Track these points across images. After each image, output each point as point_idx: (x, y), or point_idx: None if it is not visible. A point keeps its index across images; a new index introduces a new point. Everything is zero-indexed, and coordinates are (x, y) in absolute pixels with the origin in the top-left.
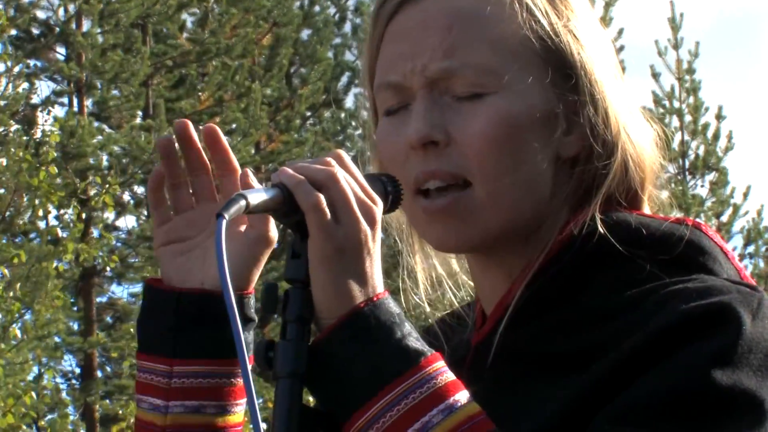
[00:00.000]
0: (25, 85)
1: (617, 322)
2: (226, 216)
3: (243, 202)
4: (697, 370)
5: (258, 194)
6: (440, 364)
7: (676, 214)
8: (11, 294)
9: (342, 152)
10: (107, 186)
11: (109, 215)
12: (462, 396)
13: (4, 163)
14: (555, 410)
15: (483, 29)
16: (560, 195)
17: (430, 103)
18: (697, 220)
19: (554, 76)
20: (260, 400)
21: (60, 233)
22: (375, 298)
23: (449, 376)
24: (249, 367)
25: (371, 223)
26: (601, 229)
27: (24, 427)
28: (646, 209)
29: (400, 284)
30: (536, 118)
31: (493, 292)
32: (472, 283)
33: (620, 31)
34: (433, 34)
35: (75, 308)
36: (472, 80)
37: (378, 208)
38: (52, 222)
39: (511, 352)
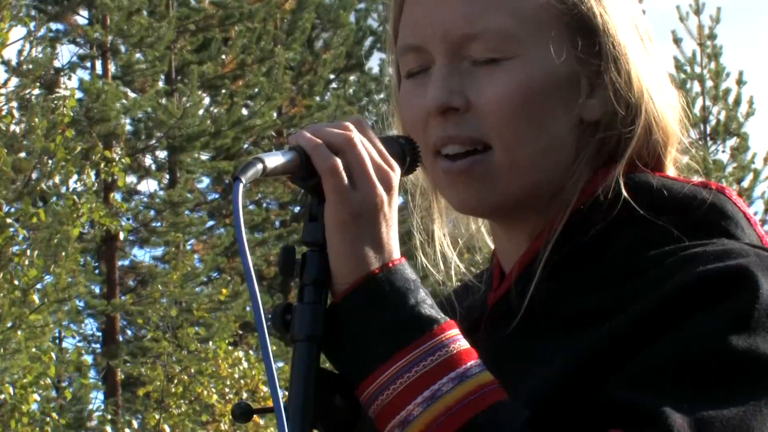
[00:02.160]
0: (48, 49)
1: (636, 281)
2: (243, 179)
3: (260, 165)
4: (714, 334)
5: (275, 157)
6: (454, 332)
7: (698, 179)
8: (26, 261)
9: (361, 117)
10: (118, 158)
11: (121, 183)
12: (474, 364)
13: (25, 129)
14: (570, 363)
15: None
16: (583, 158)
17: (449, 69)
18: (721, 184)
19: (576, 40)
20: (281, 364)
21: (76, 198)
22: (390, 264)
23: (463, 344)
24: (266, 331)
25: (388, 188)
26: (623, 190)
27: (42, 388)
28: (671, 171)
29: (418, 245)
30: (557, 82)
31: (514, 252)
32: (490, 246)
33: None
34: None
35: (97, 272)
36: (492, 46)
37: (395, 173)
38: (74, 186)
39: (530, 309)
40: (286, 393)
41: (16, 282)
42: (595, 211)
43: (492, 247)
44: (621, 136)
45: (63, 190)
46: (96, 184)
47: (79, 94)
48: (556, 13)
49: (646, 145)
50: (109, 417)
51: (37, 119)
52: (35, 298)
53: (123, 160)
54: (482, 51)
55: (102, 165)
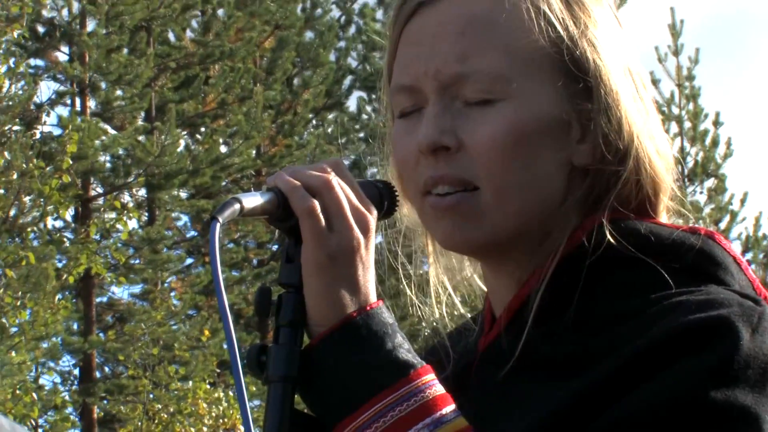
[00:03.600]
0: (31, 84)
1: (618, 329)
2: (220, 219)
3: (237, 206)
4: (692, 385)
5: (253, 198)
6: (430, 377)
7: (688, 224)
8: (17, 302)
9: (339, 160)
10: (125, 212)
11: (124, 236)
12: (450, 410)
13: (2, 163)
14: (550, 411)
15: (497, 36)
16: (572, 202)
17: (441, 109)
18: (711, 229)
19: (568, 84)
20: (258, 402)
21: (64, 239)
22: (368, 308)
23: (438, 389)
24: (241, 370)
25: (365, 231)
26: (609, 237)
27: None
28: (664, 217)
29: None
30: (547, 125)
31: (503, 295)
32: (484, 288)
33: None
34: (446, 39)
35: (75, 309)
36: (483, 86)
37: (372, 216)
38: (52, 223)
39: (520, 354)
40: None
41: (3, 320)
42: (582, 258)
43: (485, 289)
44: (609, 181)
45: (41, 226)
46: (99, 234)
47: (57, 131)
48: (549, 56)
49: (635, 191)
50: None
51: (31, 164)
52: (17, 338)
53: (131, 214)
54: (474, 92)
55: (106, 216)
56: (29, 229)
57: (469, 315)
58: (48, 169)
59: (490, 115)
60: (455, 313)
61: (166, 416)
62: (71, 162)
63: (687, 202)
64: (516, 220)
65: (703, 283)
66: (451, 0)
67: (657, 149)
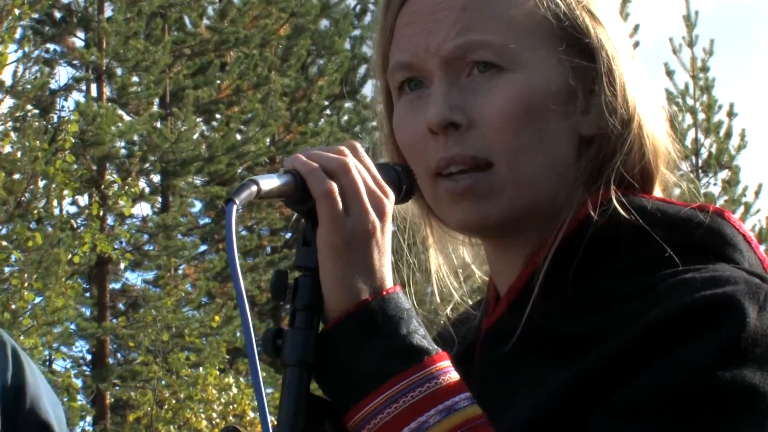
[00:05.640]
0: (45, 70)
1: (625, 308)
2: (237, 201)
3: (254, 188)
4: (699, 366)
5: (270, 180)
6: (445, 364)
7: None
8: (25, 284)
9: (356, 142)
10: (126, 187)
11: (128, 213)
12: (463, 398)
13: (19, 150)
14: (557, 391)
15: (497, 9)
16: (579, 176)
17: (448, 86)
18: (720, 207)
19: (571, 54)
20: (271, 390)
21: (74, 223)
22: (384, 293)
23: (453, 376)
24: (257, 355)
25: (381, 215)
26: (621, 210)
27: None
28: (658, 191)
29: (411, 277)
30: (554, 94)
31: (508, 276)
32: (484, 277)
33: (636, 27)
34: (447, 15)
35: (88, 294)
36: (488, 58)
37: (389, 200)
38: (67, 209)
39: (522, 334)
40: (275, 419)
41: (13, 306)
42: (587, 234)
43: (485, 278)
44: (614, 149)
45: (56, 212)
46: (101, 212)
47: (75, 116)
48: (550, 26)
49: (637, 161)
50: None
51: (38, 143)
52: (28, 320)
53: (133, 189)
54: (479, 64)
55: (110, 192)
56: (35, 212)
57: (470, 303)
58: (51, 147)
59: (498, 87)
60: (457, 299)
61: (175, 402)
62: (79, 142)
63: (700, 193)
64: (530, 193)
65: (711, 261)
66: None
67: (654, 119)
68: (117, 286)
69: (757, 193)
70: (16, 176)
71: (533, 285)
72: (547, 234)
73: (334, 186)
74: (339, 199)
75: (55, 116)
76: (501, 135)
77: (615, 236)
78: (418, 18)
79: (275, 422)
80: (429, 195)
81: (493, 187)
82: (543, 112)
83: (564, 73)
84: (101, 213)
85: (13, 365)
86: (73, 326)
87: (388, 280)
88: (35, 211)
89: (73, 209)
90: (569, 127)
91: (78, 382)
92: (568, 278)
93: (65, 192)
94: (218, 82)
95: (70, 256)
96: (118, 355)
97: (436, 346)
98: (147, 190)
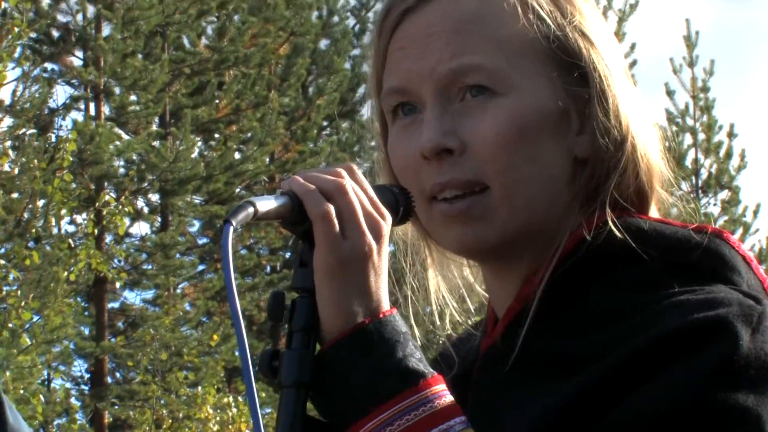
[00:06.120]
0: (44, 89)
1: (619, 328)
2: (234, 222)
3: (251, 209)
4: (691, 387)
5: (267, 201)
6: (440, 387)
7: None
8: (23, 303)
9: (353, 165)
10: (120, 206)
11: (121, 231)
12: (458, 421)
13: (18, 168)
14: (547, 413)
15: (488, 32)
16: (575, 194)
17: (441, 111)
18: (719, 228)
19: (563, 75)
20: (269, 410)
21: (71, 242)
22: (381, 315)
23: (448, 399)
24: (253, 375)
25: (377, 237)
26: (616, 232)
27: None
28: (654, 211)
29: (409, 299)
30: (548, 116)
31: (505, 297)
32: (485, 294)
33: (632, 46)
34: (438, 39)
35: (87, 313)
36: (480, 82)
37: (386, 222)
38: (65, 228)
39: (519, 355)
40: None
41: (10, 325)
42: (583, 256)
43: (486, 295)
44: (609, 170)
45: (54, 231)
46: (96, 230)
47: (73, 135)
48: (542, 48)
49: (632, 181)
50: None
51: (36, 161)
52: (26, 339)
53: (126, 209)
54: (472, 89)
55: (105, 211)
56: (33, 231)
57: (469, 322)
58: (50, 166)
59: (489, 111)
60: (457, 320)
61: (172, 421)
62: (77, 161)
63: (700, 213)
64: (525, 216)
65: (708, 282)
66: (439, 2)
67: (649, 136)
68: (116, 305)
69: (755, 213)
70: (15, 195)
71: (530, 307)
72: (543, 256)
73: (331, 208)
74: (336, 221)
75: (54, 135)
76: (495, 158)
77: (611, 258)
78: (410, 42)
79: None
80: (424, 218)
81: (488, 209)
82: (536, 135)
83: (556, 95)
84: (95, 231)
85: None
86: (71, 345)
87: (385, 302)
88: (33, 230)
89: (71, 228)
90: (563, 149)
91: (77, 403)
92: (564, 300)
93: (63, 211)
94: (217, 101)
95: (66, 273)
96: (117, 374)
97: (431, 369)
98: (146, 209)
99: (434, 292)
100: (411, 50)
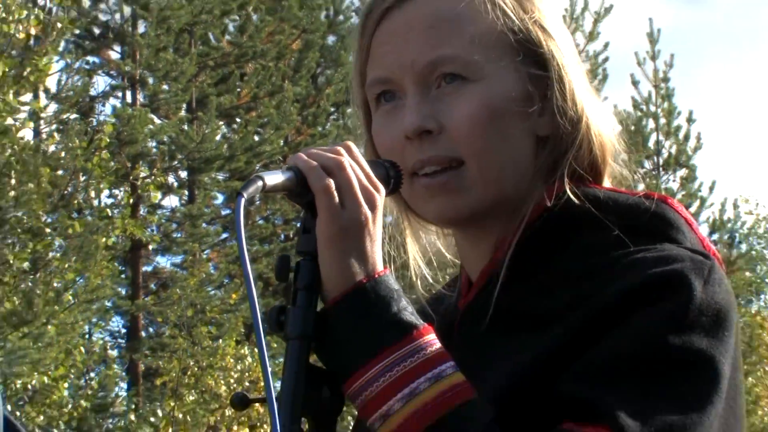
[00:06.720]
0: (85, 79)
1: (586, 285)
2: (245, 194)
3: (260, 183)
4: (652, 333)
5: (275, 176)
6: (431, 337)
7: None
8: (66, 264)
9: (351, 143)
10: (153, 177)
11: (155, 199)
12: (448, 366)
13: (63, 149)
14: (523, 362)
15: (461, 27)
16: (538, 171)
17: (421, 97)
18: (664, 194)
19: (526, 63)
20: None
21: (110, 212)
22: (376, 275)
23: (438, 347)
24: (262, 330)
25: (372, 207)
26: (575, 200)
27: (74, 378)
28: (606, 182)
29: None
30: (513, 100)
31: (478, 262)
32: (455, 260)
33: (606, 45)
34: (417, 34)
35: (123, 275)
36: (455, 71)
37: (380, 194)
38: (104, 200)
39: (496, 312)
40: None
41: (55, 284)
42: (547, 222)
43: (457, 261)
44: (567, 145)
45: (95, 203)
46: (131, 200)
47: (112, 120)
48: (508, 40)
49: (587, 156)
50: (133, 406)
51: (78, 141)
52: (69, 297)
53: (159, 179)
54: (448, 77)
55: (139, 182)
56: (76, 203)
57: (437, 286)
58: (90, 146)
59: (464, 96)
60: (429, 282)
61: (198, 370)
62: (115, 142)
63: (661, 189)
64: (496, 187)
65: (658, 242)
66: (415, 2)
67: (601, 116)
68: (149, 268)
69: (711, 189)
70: (60, 172)
71: (501, 269)
72: (511, 223)
73: (331, 182)
74: (335, 193)
75: (94, 119)
76: (469, 137)
77: (572, 223)
78: (392, 38)
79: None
80: (407, 192)
81: (464, 182)
82: (504, 116)
83: (521, 81)
84: (131, 202)
85: None
86: (109, 304)
87: (380, 264)
88: (76, 202)
89: (109, 201)
90: (527, 129)
91: (114, 353)
92: (532, 262)
93: (102, 185)
94: (238, 90)
95: (104, 240)
96: (150, 329)
97: (422, 321)
98: (175, 184)
99: (412, 259)
100: (392, 45)
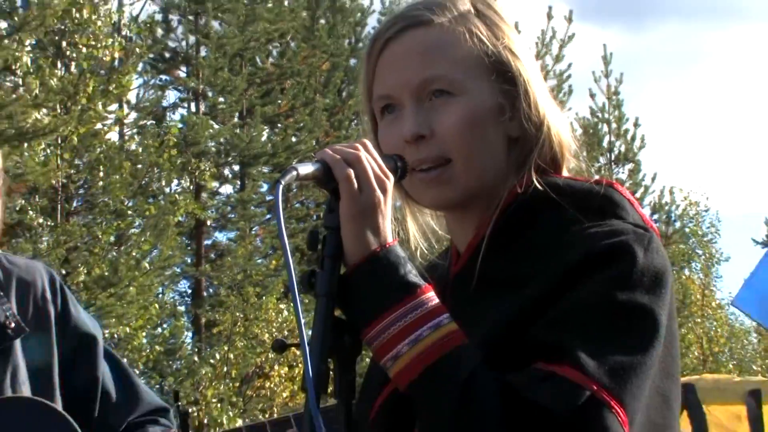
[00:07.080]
0: (157, 93)
1: (549, 254)
2: (282, 182)
3: (294, 172)
4: (605, 291)
5: (306, 167)
6: (431, 294)
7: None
8: (143, 239)
9: (367, 141)
10: (208, 171)
11: (210, 187)
12: (445, 317)
13: (141, 148)
14: (504, 316)
15: (446, 52)
16: (510, 165)
17: (416, 109)
18: (611, 180)
19: (499, 80)
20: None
21: (177, 197)
22: (387, 245)
23: (437, 302)
24: (297, 289)
25: (384, 191)
26: (539, 187)
27: (149, 328)
28: (565, 172)
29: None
30: (489, 110)
31: (465, 237)
32: (446, 236)
33: (569, 65)
34: (412, 59)
35: (189, 247)
36: (443, 88)
37: (390, 181)
38: (175, 188)
39: (480, 278)
40: (311, 333)
41: (135, 254)
42: (519, 205)
43: (448, 237)
44: (532, 147)
45: (166, 190)
46: (192, 187)
47: (180, 125)
48: (484, 62)
49: (549, 152)
50: (196, 350)
51: (152, 142)
52: (146, 265)
53: (212, 170)
54: (437, 92)
55: (197, 173)
56: (151, 190)
57: (430, 257)
58: (161, 146)
59: (450, 108)
60: (425, 254)
61: (247, 322)
62: (182, 143)
63: (613, 179)
64: (477, 180)
65: (607, 219)
66: (411, 34)
67: (558, 122)
68: (209, 242)
69: (653, 179)
70: (139, 166)
71: (483, 243)
72: (490, 207)
73: (352, 172)
74: (355, 181)
75: (165, 125)
76: (455, 141)
77: (538, 205)
78: (392, 63)
79: (310, 336)
80: (407, 184)
81: (452, 176)
82: (483, 123)
83: (495, 94)
84: (192, 188)
85: (60, 296)
86: (178, 270)
87: (390, 236)
88: (150, 190)
89: (178, 189)
90: (501, 132)
91: (181, 309)
92: (508, 237)
93: (171, 176)
94: (279, 101)
95: (173, 219)
96: (210, 289)
97: (424, 281)
98: (230, 176)
99: (412, 236)
100: (393, 68)
